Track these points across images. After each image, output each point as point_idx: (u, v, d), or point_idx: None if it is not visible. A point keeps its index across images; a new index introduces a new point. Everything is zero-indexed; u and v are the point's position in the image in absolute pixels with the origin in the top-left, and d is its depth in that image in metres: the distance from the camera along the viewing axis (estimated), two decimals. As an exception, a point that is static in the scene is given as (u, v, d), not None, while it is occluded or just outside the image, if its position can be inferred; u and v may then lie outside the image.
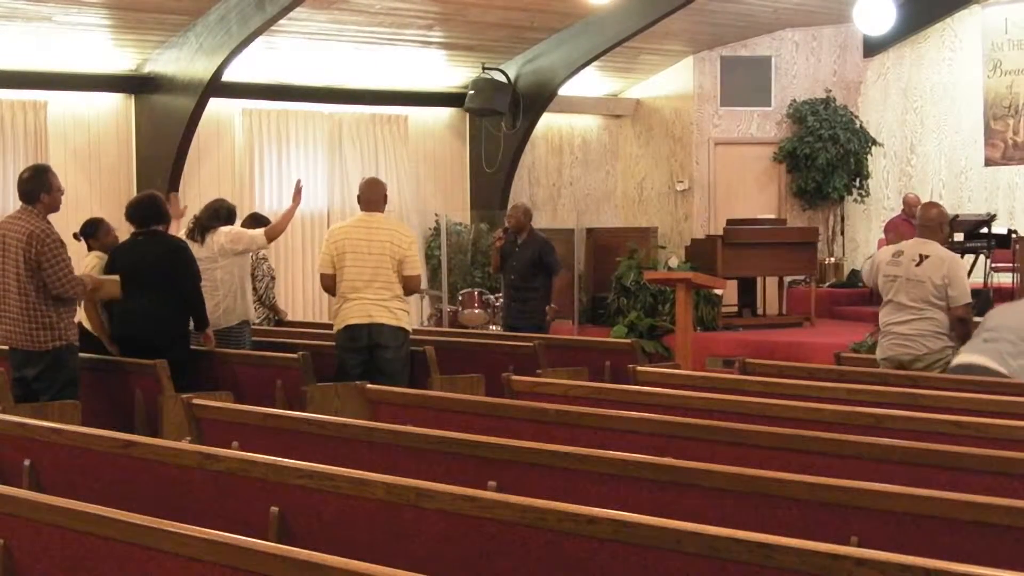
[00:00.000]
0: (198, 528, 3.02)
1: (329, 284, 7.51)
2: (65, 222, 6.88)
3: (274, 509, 3.80)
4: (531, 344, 7.81)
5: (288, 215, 8.26)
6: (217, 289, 7.83)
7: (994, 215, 13.01)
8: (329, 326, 7.91)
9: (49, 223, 6.61)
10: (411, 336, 7.67)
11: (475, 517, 3.38)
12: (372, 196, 7.56)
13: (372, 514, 3.62)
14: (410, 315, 7.60)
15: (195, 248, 7.73)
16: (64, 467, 4.56)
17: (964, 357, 6.56)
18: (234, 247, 7.86)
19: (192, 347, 7.46)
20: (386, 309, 7.35)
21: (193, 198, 10.56)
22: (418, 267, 7.66)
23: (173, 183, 11.49)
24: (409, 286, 7.54)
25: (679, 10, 12.74)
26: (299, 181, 8.55)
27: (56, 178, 6.73)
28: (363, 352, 7.37)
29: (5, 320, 6.61)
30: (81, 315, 7.46)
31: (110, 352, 7.40)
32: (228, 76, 11.41)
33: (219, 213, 8.03)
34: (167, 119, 11.65)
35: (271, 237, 8.08)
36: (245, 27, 10.64)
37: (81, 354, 6.87)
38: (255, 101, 12.76)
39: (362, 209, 7.57)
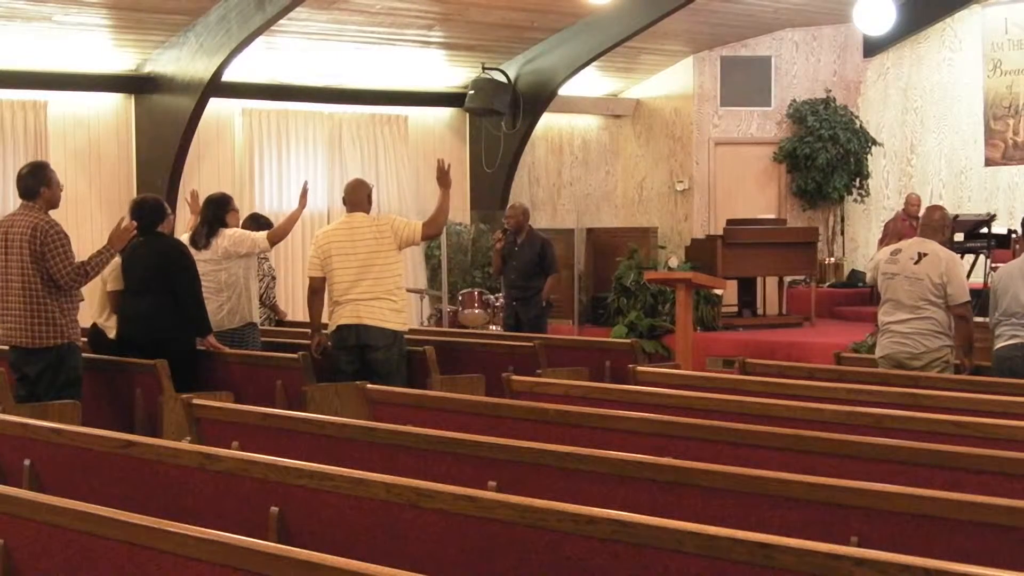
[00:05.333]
0: (198, 528, 3.02)
1: (317, 286, 7.51)
2: (64, 221, 6.87)
3: (274, 509, 3.80)
4: (531, 344, 7.81)
5: (293, 218, 8.20)
6: (221, 291, 7.82)
7: (994, 215, 13.02)
8: (325, 326, 7.90)
9: (51, 216, 6.63)
10: (410, 336, 7.65)
11: (475, 517, 3.38)
12: (355, 197, 7.56)
13: (372, 514, 3.62)
14: (402, 314, 7.50)
15: (199, 251, 7.72)
16: (64, 467, 4.56)
17: (1013, 339, 6.86)
18: (237, 250, 7.84)
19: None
20: (374, 309, 7.32)
21: (193, 199, 10.55)
22: (411, 222, 7.63)
23: (173, 183, 11.49)
24: (429, 233, 7.62)
25: (679, 10, 12.73)
26: (305, 184, 8.50)
27: (55, 174, 6.74)
28: (353, 351, 7.36)
29: (7, 318, 6.60)
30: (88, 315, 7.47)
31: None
32: (228, 76, 11.41)
33: (215, 213, 7.93)
34: (167, 119, 11.65)
35: (274, 240, 8.04)
36: (245, 27, 10.64)
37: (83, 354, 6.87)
38: (255, 101, 12.75)
39: (347, 211, 7.58)
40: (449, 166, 7.81)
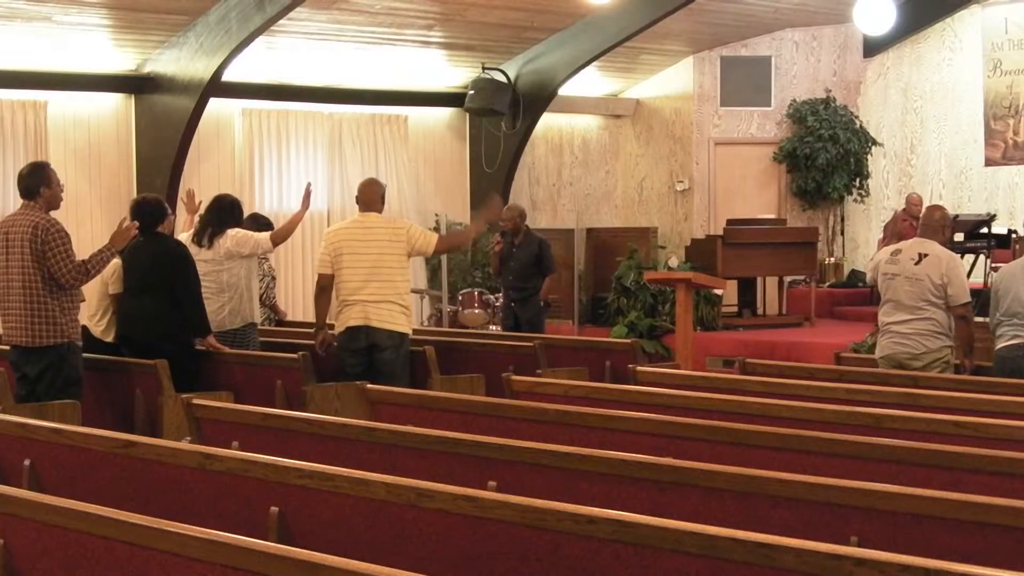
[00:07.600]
0: (198, 528, 3.02)
1: (325, 284, 7.51)
2: (64, 221, 6.87)
3: (274, 509, 3.80)
4: (531, 344, 7.81)
5: (296, 219, 8.18)
6: (223, 291, 7.81)
7: (994, 215, 13.02)
8: (330, 326, 7.91)
9: (52, 216, 6.63)
10: (411, 336, 7.65)
11: (475, 517, 3.38)
12: (369, 196, 7.56)
13: (372, 514, 3.62)
14: (409, 315, 7.56)
15: (201, 251, 7.72)
16: (64, 467, 4.56)
17: (1015, 339, 6.85)
18: (240, 250, 7.83)
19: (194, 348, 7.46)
20: (383, 311, 7.34)
21: (193, 198, 10.55)
22: (428, 234, 7.65)
23: (173, 183, 11.48)
24: (441, 249, 7.62)
25: (679, 10, 12.74)
26: (308, 185, 8.49)
27: (55, 173, 6.75)
28: (362, 353, 7.37)
29: (9, 317, 6.60)
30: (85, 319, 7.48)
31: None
32: (228, 76, 11.40)
33: (223, 216, 7.96)
34: (167, 119, 11.65)
35: (277, 241, 8.03)
36: (245, 27, 10.64)
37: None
38: (255, 101, 12.75)
39: (360, 210, 7.58)
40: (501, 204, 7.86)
